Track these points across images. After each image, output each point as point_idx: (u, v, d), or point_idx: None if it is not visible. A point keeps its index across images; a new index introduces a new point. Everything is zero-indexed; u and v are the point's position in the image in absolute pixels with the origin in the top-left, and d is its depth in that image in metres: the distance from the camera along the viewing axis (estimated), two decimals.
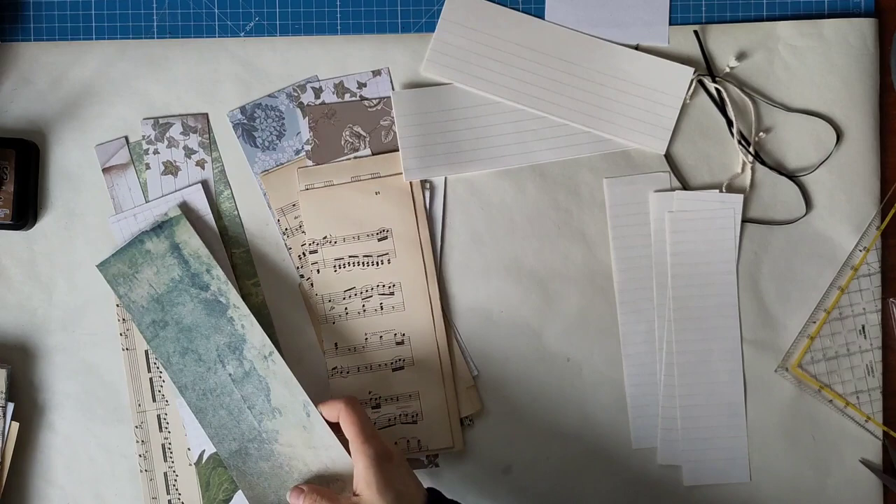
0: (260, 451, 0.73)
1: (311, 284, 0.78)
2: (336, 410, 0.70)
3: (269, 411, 0.73)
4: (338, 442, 0.71)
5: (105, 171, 0.79)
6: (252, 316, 0.75)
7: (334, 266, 0.77)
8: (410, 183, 0.77)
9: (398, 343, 0.77)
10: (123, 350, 0.78)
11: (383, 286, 0.77)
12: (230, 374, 0.74)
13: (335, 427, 0.71)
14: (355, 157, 0.77)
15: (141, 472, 0.78)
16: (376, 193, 0.77)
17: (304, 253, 0.79)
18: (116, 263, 0.76)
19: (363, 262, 0.77)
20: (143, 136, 0.79)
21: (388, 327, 0.77)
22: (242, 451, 0.73)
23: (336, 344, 0.77)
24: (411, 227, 0.77)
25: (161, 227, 0.76)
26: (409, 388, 0.77)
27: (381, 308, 0.77)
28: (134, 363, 0.78)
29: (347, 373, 0.77)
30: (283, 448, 0.72)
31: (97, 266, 0.76)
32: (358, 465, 0.67)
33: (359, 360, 0.77)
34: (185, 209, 0.78)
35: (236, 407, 0.74)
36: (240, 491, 0.75)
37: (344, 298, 0.77)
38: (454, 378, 0.78)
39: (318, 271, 0.77)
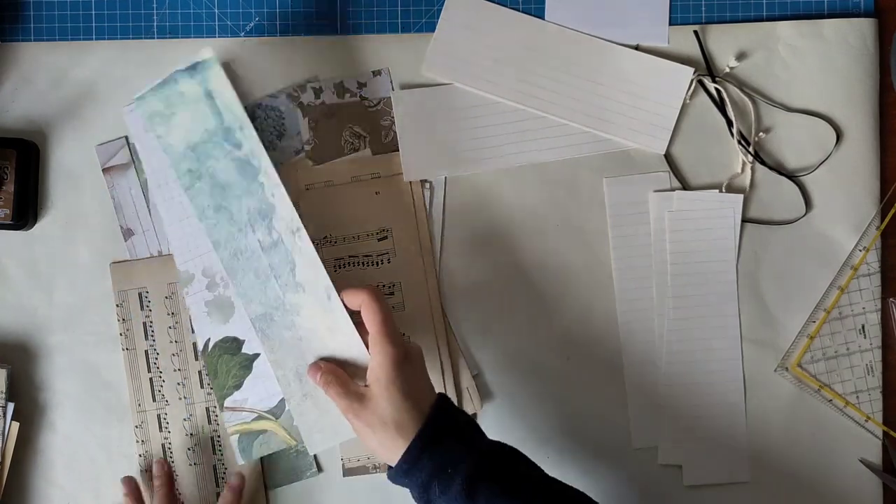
0: (283, 319, 0.72)
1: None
2: (359, 299, 0.68)
3: (294, 285, 0.73)
4: (355, 331, 0.71)
5: (105, 171, 0.78)
6: (282, 187, 0.73)
7: (334, 266, 0.77)
8: (410, 183, 0.77)
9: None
10: (123, 350, 0.78)
11: (383, 286, 0.77)
12: (259, 241, 0.73)
13: (356, 315, 0.70)
14: (355, 157, 0.77)
15: (141, 472, 0.78)
16: (376, 193, 0.77)
17: None
18: (152, 100, 0.74)
19: (363, 262, 0.77)
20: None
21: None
22: (267, 315, 0.73)
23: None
24: (411, 227, 0.77)
25: (195, 69, 0.74)
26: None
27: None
28: (134, 363, 0.78)
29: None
30: (305, 321, 0.72)
31: (135, 98, 0.75)
32: (374, 360, 0.67)
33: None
34: None
35: (264, 273, 0.73)
36: (249, 377, 0.76)
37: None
38: (454, 377, 0.78)
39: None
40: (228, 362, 0.76)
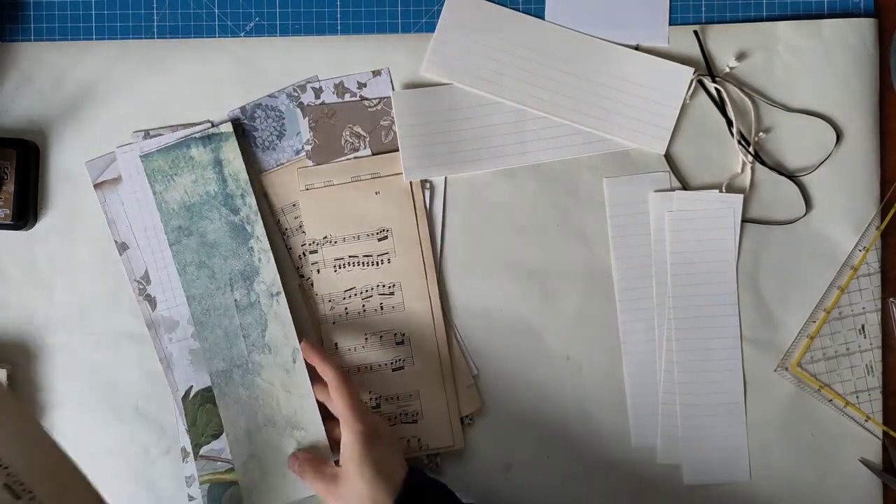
0: (243, 378, 0.75)
1: (311, 284, 0.78)
2: (327, 376, 0.72)
3: (261, 346, 0.76)
4: (313, 397, 0.75)
5: (97, 186, 0.78)
6: (271, 252, 0.77)
7: (334, 266, 0.77)
8: (410, 183, 0.77)
9: (398, 343, 0.77)
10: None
11: (383, 286, 0.77)
12: (236, 300, 0.77)
13: (316, 378, 0.74)
14: (355, 157, 0.77)
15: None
16: (376, 193, 0.77)
17: (304, 253, 0.79)
18: (159, 159, 0.77)
19: (363, 262, 0.77)
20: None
21: (388, 327, 0.77)
22: (227, 373, 0.76)
23: (336, 344, 0.78)
24: (411, 227, 0.77)
25: (209, 139, 0.77)
26: (409, 388, 0.77)
27: (381, 308, 0.77)
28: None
29: (348, 372, 0.77)
30: (263, 383, 0.75)
31: (140, 156, 0.77)
32: (345, 438, 0.70)
33: (359, 359, 0.78)
34: None
35: (233, 332, 0.76)
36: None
37: (344, 298, 0.77)
38: (454, 377, 0.78)
39: (319, 271, 0.77)
40: (210, 412, 0.78)
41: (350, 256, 0.77)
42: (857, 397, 0.79)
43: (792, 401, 0.79)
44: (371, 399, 0.78)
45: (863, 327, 0.79)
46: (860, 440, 0.79)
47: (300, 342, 0.75)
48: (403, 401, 0.77)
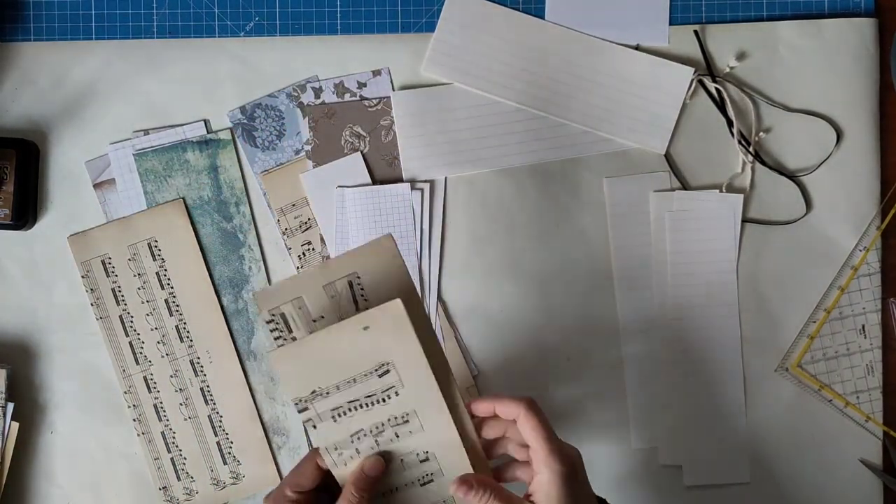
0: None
1: (309, 441, 0.67)
2: (513, 412, 0.63)
3: (247, 353, 0.76)
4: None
5: (96, 186, 0.79)
6: (262, 262, 0.77)
7: (333, 416, 0.63)
8: (402, 302, 0.61)
9: (423, 461, 0.65)
10: (98, 319, 0.78)
11: (395, 418, 0.64)
12: (223, 305, 0.78)
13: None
14: (323, 260, 0.70)
15: (138, 435, 0.78)
16: (364, 329, 0.62)
17: (303, 253, 0.79)
18: (153, 159, 0.77)
19: (366, 404, 0.63)
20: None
21: (408, 450, 0.65)
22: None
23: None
24: (416, 352, 0.63)
25: (207, 144, 0.77)
26: (443, 497, 0.66)
27: (398, 436, 0.64)
28: (111, 330, 0.78)
29: (373, 500, 0.65)
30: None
31: (133, 154, 0.77)
32: (543, 476, 0.62)
33: (382, 486, 0.65)
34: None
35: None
36: None
37: (352, 441, 0.64)
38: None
39: (315, 427, 0.63)
40: None
41: (349, 402, 0.63)
42: (858, 397, 0.79)
43: (792, 401, 0.79)
44: None
45: (863, 327, 0.79)
46: (860, 440, 0.79)
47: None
48: None
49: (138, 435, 0.78)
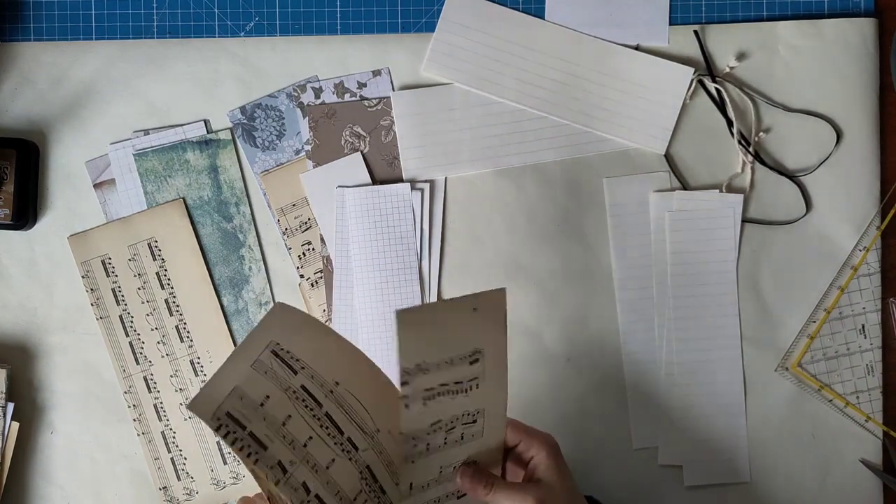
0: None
1: (399, 421, 0.59)
2: (540, 444, 0.64)
3: None
4: None
5: (96, 186, 0.79)
6: (262, 262, 0.77)
7: (423, 399, 0.59)
8: (505, 294, 0.60)
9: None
10: (98, 319, 0.78)
11: (468, 415, 0.61)
12: (223, 305, 0.78)
13: None
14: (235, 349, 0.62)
15: (138, 435, 0.78)
16: (474, 310, 0.60)
17: (303, 253, 0.79)
18: (153, 159, 0.77)
19: (453, 391, 0.60)
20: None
21: (462, 457, 0.63)
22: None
23: (411, 484, 0.62)
24: (501, 346, 0.61)
25: (207, 144, 0.77)
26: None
27: (462, 438, 0.62)
28: (111, 330, 0.78)
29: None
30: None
31: (133, 154, 0.77)
32: (541, 454, 0.62)
33: (431, 494, 0.64)
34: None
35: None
36: None
37: (427, 434, 0.60)
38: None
39: (408, 406, 0.58)
40: None
41: (441, 385, 0.60)
42: (858, 397, 0.79)
43: (792, 401, 0.79)
44: None
45: (863, 327, 0.79)
46: (860, 440, 0.79)
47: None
48: None
49: (138, 435, 0.78)
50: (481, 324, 0.59)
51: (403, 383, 0.56)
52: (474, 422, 0.61)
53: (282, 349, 0.59)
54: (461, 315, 0.58)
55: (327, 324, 0.78)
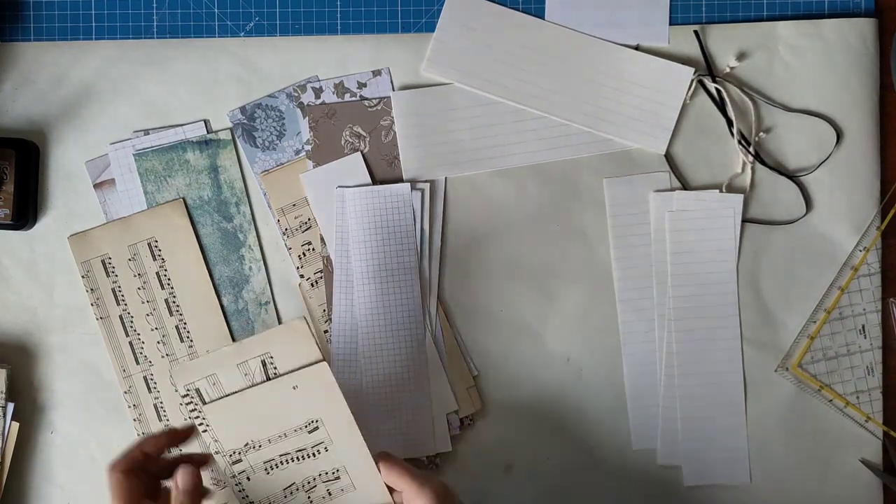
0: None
1: (245, 495, 0.68)
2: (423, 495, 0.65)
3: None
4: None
5: (96, 186, 0.79)
6: (262, 262, 0.77)
7: (265, 468, 0.68)
8: (328, 366, 0.67)
9: None
10: (98, 319, 0.78)
11: (326, 473, 0.68)
12: (223, 305, 0.78)
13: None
14: (236, 343, 0.67)
15: (139, 435, 0.78)
16: (294, 388, 0.67)
17: (303, 253, 0.79)
18: (153, 159, 0.77)
19: (298, 457, 0.68)
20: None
21: None
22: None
23: None
24: (344, 412, 0.67)
25: (207, 144, 0.77)
26: None
27: (330, 494, 0.68)
28: (111, 330, 0.78)
29: None
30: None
31: (133, 154, 0.77)
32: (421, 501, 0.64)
33: None
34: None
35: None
36: None
37: (286, 496, 0.68)
38: (455, 378, 0.78)
39: (249, 479, 0.68)
40: None
41: (281, 455, 0.68)
42: (858, 398, 0.79)
43: (792, 401, 0.79)
44: None
45: (863, 327, 0.79)
46: (860, 440, 0.79)
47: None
48: None
49: (138, 435, 0.78)
50: (309, 397, 0.67)
51: (235, 462, 0.67)
52: (338, 478, 0.68)
53: (272, 363, 0.66)
54: (281, 394, 0.67)
55: (327, 324, 0.78)
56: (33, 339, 0.79)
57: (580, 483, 0.79)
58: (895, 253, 0.79)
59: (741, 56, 0.79)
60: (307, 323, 0.67)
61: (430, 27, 0.79)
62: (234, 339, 0.79)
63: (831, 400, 0.79)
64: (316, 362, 0.67)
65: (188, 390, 0.66)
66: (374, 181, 0.79)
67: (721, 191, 0.78)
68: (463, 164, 0.79)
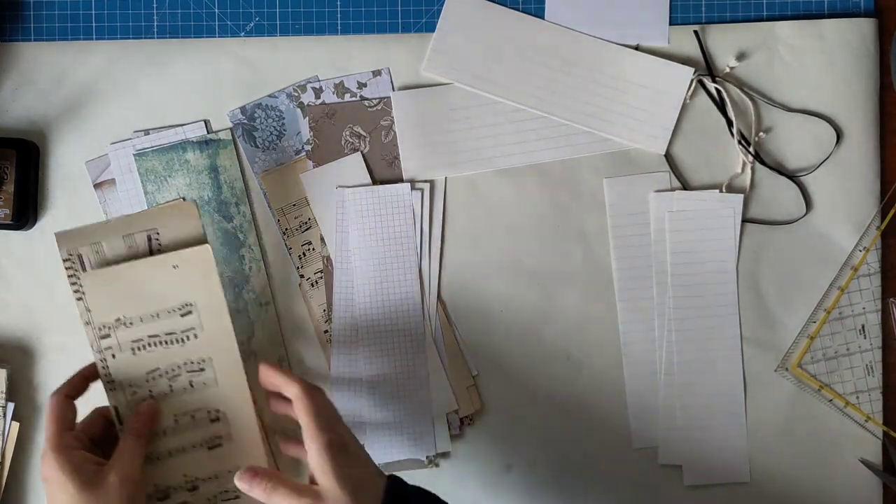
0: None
1: (108, 373, 0.68)
2: (290, 392, 0.66)
3: (247, 353, 0.75)
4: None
5: (97, 186, 0.79)
6: (262, 262, 0.77)
7: (132, 348, 0.67)
8: (210, 249, 0.68)
9: (213, 420, 0.69)
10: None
11: (192, 363, 0.68)
12: None
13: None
14: (125, 215, 0.68)
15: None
16: (174, 267, 0.67)
17: (303, 253, 0.79)
18: (153, 159, 0.77)
19: (166, 342, 0.68)
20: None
21: (199, 405, 0.69)
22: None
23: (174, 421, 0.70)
24: (218, 299, 0.68)
25: (207, 144, 0.77)
26: (228, 465, 0.69)
27: (192, 385, 0.68)
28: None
29: (158, 459, 0.68)
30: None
31: (133, 154, 0.76)
32: (312, 452, 0.64)
33: (171, 443, 0.68)
34: None
35: None
36: None
37: (147, 381, 0.68)
38: (455, 377, 0.78)
39: (114, 356, 0.67)
40: None
41: (150, 336, 0.68)
42: (858, 397, 0.79)
43: (792, 401, 0.79)
44: (187, 482, 0.69)
45: (863, 327, 0.79)
46: (860, 440, 0.79)
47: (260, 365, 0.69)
48: (223, 479, 0.69)
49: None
50: (187, 279, 0.67)
51: (104, 337, 0.67)
52: (202, 370, 0.68)
53: (157, 239, 0.67)
54: (160, 272, 0.67)
55: (327, 324, 0.78)
56: (33, 339, 0.79)
57: (580, 483, 0.79)
58: (895, 253, 0.80)
59: (741, 56, 0.79)
60: (196, 206, 0.68)
61: (430, 27, 0.79)
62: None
63: (831, 400, 0.79)
64: (199, 244, 0.67)
65: (70, 255, 0.67)
66: (374, 181, 0.79)
67: (721, 191, 0.78)
68: (463, 164, 0.79)
